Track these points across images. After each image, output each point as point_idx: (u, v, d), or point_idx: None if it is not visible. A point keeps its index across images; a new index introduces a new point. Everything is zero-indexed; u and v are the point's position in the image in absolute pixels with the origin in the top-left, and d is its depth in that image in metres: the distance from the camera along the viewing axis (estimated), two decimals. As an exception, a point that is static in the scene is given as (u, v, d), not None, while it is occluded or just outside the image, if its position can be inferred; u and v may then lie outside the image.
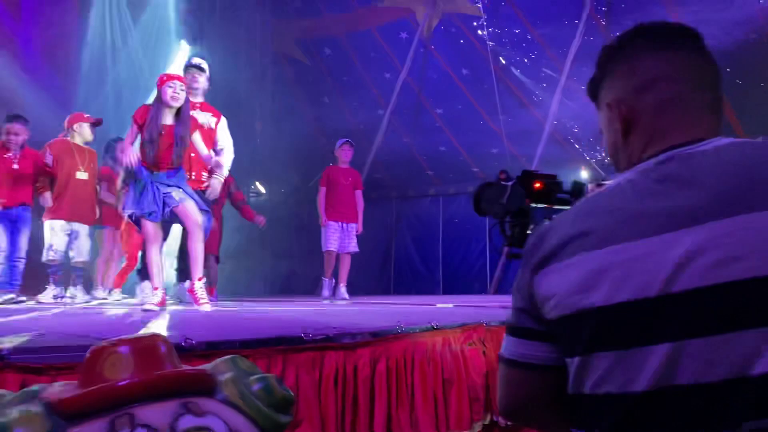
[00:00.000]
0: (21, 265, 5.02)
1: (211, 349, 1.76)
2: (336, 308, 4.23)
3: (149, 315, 3.30)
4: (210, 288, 5.74)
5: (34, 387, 1.25)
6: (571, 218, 0.92)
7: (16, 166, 4.96)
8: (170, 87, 3.81)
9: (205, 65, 4.80)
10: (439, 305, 4.01)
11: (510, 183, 1.76)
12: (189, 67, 4.81)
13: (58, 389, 1.23)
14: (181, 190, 3.83)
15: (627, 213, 0.85)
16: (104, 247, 5.76)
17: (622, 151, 0.99)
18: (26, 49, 7.02)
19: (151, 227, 3.78)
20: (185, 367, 1.32)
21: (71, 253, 5.29)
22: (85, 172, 5.27)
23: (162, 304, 3.78)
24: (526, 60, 7.67)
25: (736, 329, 0.75)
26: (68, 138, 5.28)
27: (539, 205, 1.74)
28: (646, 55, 0.97)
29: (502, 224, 1.80)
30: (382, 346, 2.15)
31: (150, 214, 3.75)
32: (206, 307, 3.81)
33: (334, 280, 6.31)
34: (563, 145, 7.49)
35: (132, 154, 3.70)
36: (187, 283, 4.65)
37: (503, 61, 7.72)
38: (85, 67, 7.38)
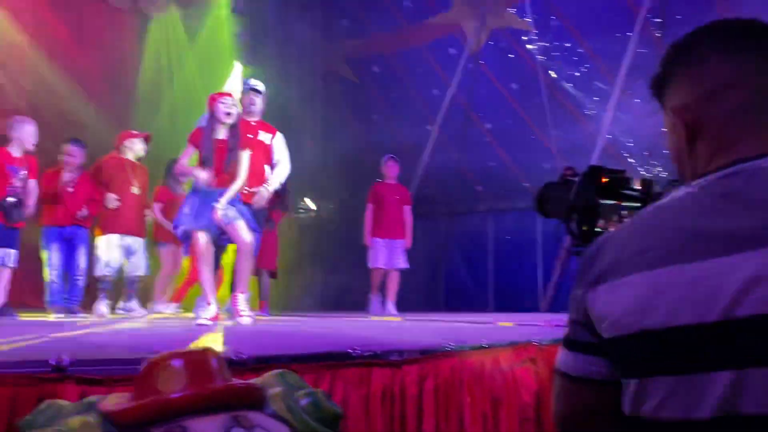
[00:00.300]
0: (81, 282, 5.22)
1: (261, 363, 1.78)
2: (384, 324, 4.22)
3: (202, 329, 3.37)
4: (261, 302, 5.85)
5: (92, 398, 1.29)
6: (627, 234, 0.89)
7: (70, 189, 5.16)
8: (222, 104, 3.92)
9: (262, 87, 4.94)
10: (500, 323, 3.97)
11: (577, 179, 1.69)
12: (248, 89, 4.95)
13: (115, 400, 1.27)
14: (234, 208, 3.92)
15: (686, 232, 0.82)
16: (163, 265, 5.93)
17: (687, 161, 0.94)
18: (88, 71, 7.35)
19: (203, 243, 3.86)
20: (235, 380, 1.34)
21: (127, 268, 5.46)
22: (137, 187, 5.42)
23: (215, 318, 3.85)
24: (577, 73, 7.57)
25: None
26: (121, 155, 5.45)
27: (607, 201, 1.67)
28: (716, 58, 0.90)
29: (569, 223, 1.73)
30: (430, 363, 2.13)
31: (205, 229, 3.85)
32: (246, 320, 3.86)
33: (381, 297, 6.32)
34: (617, 160, 7.32)
35: (202, 172, 3.83)
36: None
37: (554, 75, 7.64)
38: (141, 89, 7.67)
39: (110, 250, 5.26)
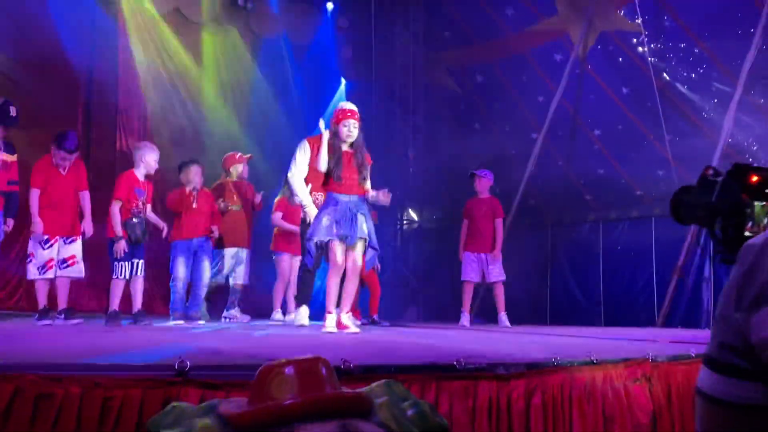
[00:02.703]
0: (203, 291, 5.58)
1: (368, 373, 1.82)
2: (490, 336, 4.17)
3: (315, 336, 3.49)
4: (355, 312, 6.04)
5: (213, 401, 1.37)
6: None
7: (195, 205, 5.55)
8: (345, 126, 4.13)
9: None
10: (610, 338, 3.82)
11: (719, 179, 1.57)
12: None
13: (232, 404, 1.34)
14: (366, 227, 4.06)
15: None
16: (281, 273, 6.23)
17: None
18: (208, 93, 7.83)
19: (339, 252, 4.00)
20: (344, 389, 1.38)
21: (232, 277, 6.00)
22: (238, 204, 6.06)
23: (341, 326, 3.98)
24: (693, 75, 7.13)
25: None
26: (227, 178, 6.10)
27: (760, 203, 1.53)
28: None
29: (712, 228, 1.61)
30: (537, 378, 2.09)
31: (345, 237, 3.98)
32: (353, 329, 4.05)
33: (470, 313, 6.38)
34: (740, 165, 6.82)
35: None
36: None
37: (667, 78, 7.25)
38: (253, 109, 8.07)
39: (228, 261, 5.94)
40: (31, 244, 4.78)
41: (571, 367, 2.16)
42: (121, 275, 4.89)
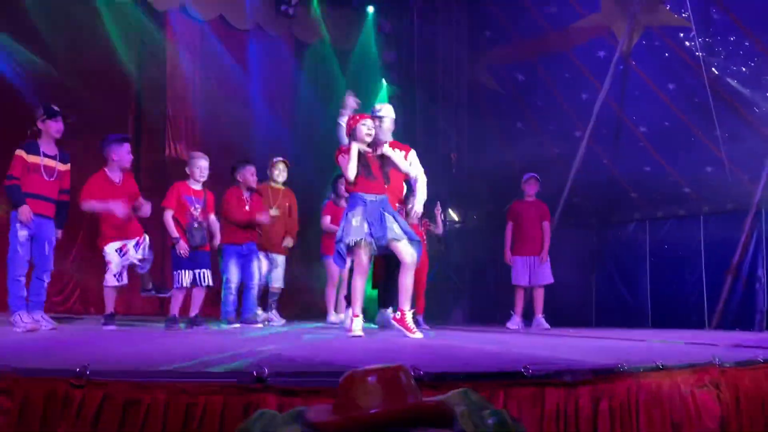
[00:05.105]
0: (255, 291, 5.65)
1: (438, 380, 1.84)
2: (551, 341, 4.12)
3: (383, 341, 3.52)
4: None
5: (299, 409, 1.41)
6: None
7: (248, 207, 5.62)
8: (364, 125, 4.16)
9: (386, 111, 4.96)
10: (668, 341, 3.76)
11: None
12: (376, 116, 5.13)
13: (318, 412, 1.38)
14: (398, 224, 4.08)
15: None
16: (330, 275, 6.29)
17: None
18: (254, 99, 7.95)
19: (365, 255, 4.03)
20: (425, 398, 1.41)
21: (269, 280, 5.99)
22: (277, 209, 6.02)
23: (405, 327, 4.02)
24: (744, 69, 6.94)
25: None
26: (269, 183, 6.10)
27: None
28: None
29: None
30: (603, 384, 2.08)
31: (379, 238, 4.01)
32: (418, 335, 3.99)
33: (521, 317, 6.34)
34: (795, 160, 6.63)
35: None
36: (389, 311, 4.90)
37: (716, 72, 7.07)
38: (298, 114, 8.16)
39: (265, 264, 5.97)
40: (111, 253, 4.82)
41: (637, 372, 2.15)
42: (179, 284, 4.91)
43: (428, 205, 5.72)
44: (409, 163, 4.68)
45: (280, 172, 6.12)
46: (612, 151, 8.11)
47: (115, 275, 4.77)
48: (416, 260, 4.07)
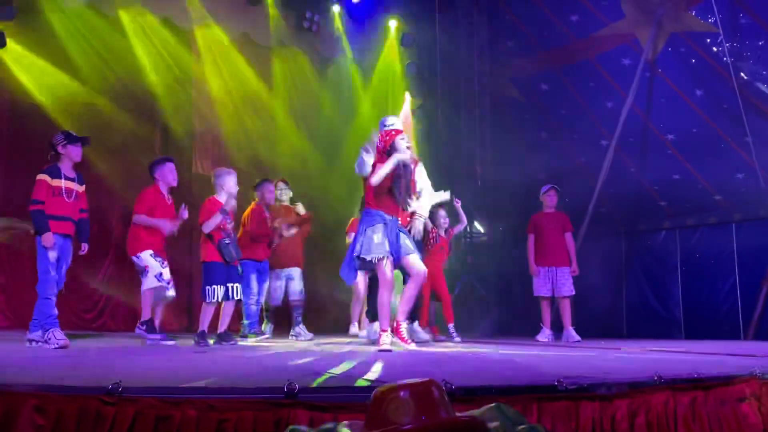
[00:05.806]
0: (255, 308, 5.80)
1: (469, 395, 1.81)
2: (584, 354, 4.04)
3: (394, 355, 3.50)
4: (433, 328, 6.03)
5: (330, 425, 1.40)
6: None
7: (270, 224, 5.74)
8: (402, 139, 4.17)
9: (398, 122, 4.95)
10: (704, 353, 3.67)
11: None
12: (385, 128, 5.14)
13: (350, 427, 1.36)
14: (410, 239, 4.13)
15: None
16: (356, 290, 6.29)
17: None
18: (278, 115, 8.01)
19: (389, 269, 4.04)
20: (458, 413, 1.38)
21: (288, 295, 6.06)
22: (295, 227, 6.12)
23: (400, 338, 4.03)
24: (773, 73, 6.82)
25: None
26: (278, 204, 6.19)
27: None
28: None
29: None
30: (640, 398, 2.02)
31: (395, 256, 4.06)
32: (412, 346, 4.07)
33: (549, 329, 6.25)
34: (830, 166, 6.47)
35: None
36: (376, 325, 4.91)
37: (745, 77, 6.95)
38: (323, 129, 8.21)
39: (281, 281, 6.11)
40: (147, 258, 4.92)
41: (674, 385, 2.09)
42: (213, 299, 4.90)
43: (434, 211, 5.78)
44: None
45: (282, 191, 6.19)
46: (639, 159, 8.01)
47: (156, 276, 4.82)
48: (424, 274, 4.14)
